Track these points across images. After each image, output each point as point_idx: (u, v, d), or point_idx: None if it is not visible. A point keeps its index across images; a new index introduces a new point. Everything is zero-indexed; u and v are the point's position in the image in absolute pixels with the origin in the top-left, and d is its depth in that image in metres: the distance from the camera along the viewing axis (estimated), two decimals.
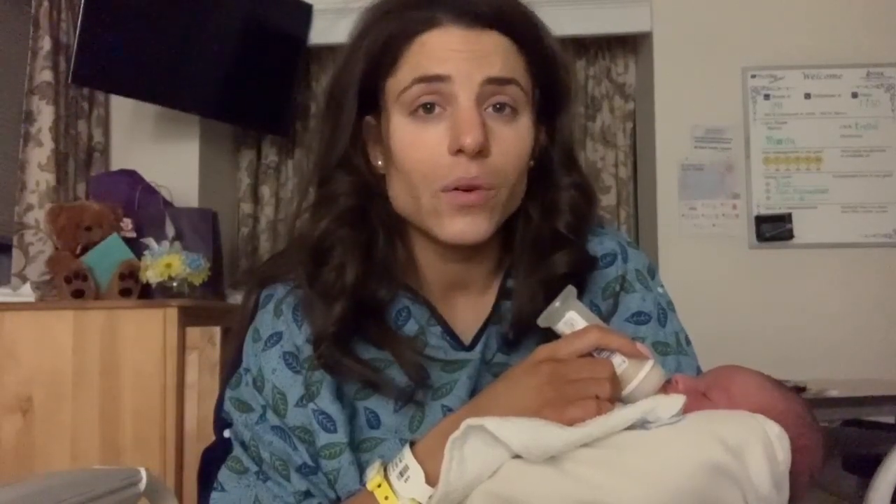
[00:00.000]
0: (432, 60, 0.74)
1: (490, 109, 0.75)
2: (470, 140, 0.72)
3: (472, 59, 0.74)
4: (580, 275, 0.82)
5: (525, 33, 0.78)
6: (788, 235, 2.98)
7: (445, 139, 0.74)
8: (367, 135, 0.81)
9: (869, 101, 3.03)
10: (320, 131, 0.83)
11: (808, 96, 3.04)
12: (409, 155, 0.75)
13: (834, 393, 2.14)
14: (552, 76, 0.81)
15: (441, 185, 0.74)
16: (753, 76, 3.05)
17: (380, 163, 0.81)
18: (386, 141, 0.78)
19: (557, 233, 0.82)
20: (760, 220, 3.00)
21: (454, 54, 0.74)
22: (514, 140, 0.76)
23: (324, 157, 0.81)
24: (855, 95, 3.03)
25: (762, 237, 2.99)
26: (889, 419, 2.43)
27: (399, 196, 0.79)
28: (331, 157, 0.80)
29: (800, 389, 2.08)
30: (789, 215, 2.99)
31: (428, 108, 0.75)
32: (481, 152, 0.73)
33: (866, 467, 1.70)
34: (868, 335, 2.88)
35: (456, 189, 0.74)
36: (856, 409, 2.32)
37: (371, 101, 0.78)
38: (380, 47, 0.76)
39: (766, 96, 3.05)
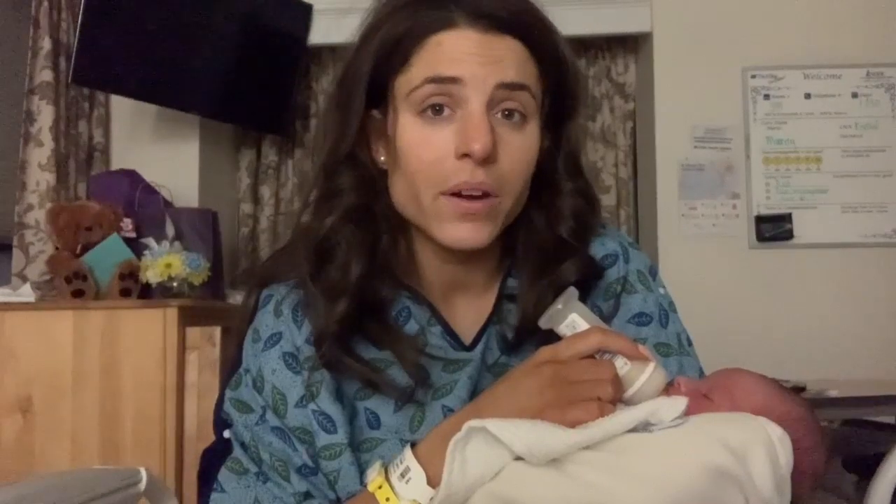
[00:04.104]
0: (446, 61, 0.73)
1: (499, 115, 0.75)
2: (478, 146, 0.71)
3: (486, 63, 0.73)
4: (587, 281, 0.82)
5: (540, 40, 0.77)
6: (788, 235, 2.98)
7: (453, 142, 0.73)
8: (371, 129, 0.80)
9: (869, 101, 3.03)
10: (327, 124, 0.82)
11: (808, 96, 3.04)
12: (416, 155, 0.75)
13: (834, 393, 2.14)
14: (564, 83, 0.81)
15: (443, 188, 0.74)
16: (753, 76, 3.05)
17: (382, 158, 0.80)
18: (392, 138, 0.77)
19: (561, 239, 0.82)
20: (760, 220, 3.00)
21: (468, 57, 0.73)
22: (521, 147, 0.76)
23: (330, 151, 0.80)
24: (855, 95, 3.03)
25: (762, 237, 2.99)
26: (889, 419, 2.43)
27: (400, 194, 0.79)
28: (337, 150, 0.80)
29: (800, 389, 2.08)
30: (789, 215, 2.99)
31: (437, 109, 0.74)
32: (488, 159, 0.72)
33: (866, 467, 1.70)
34: (868, 335, 2.89)
35: (458, 194, 0.74)
36: (856, 409, 2.32)
37: (378, 95, 0.78)
38: (392, 43, 0.75)
39: (766, 96, 3.05)
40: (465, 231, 0.75)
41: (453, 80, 0.73)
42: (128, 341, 2.03)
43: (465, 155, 0.72)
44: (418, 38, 0.74)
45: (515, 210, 0.79)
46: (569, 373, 0.68)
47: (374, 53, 0.76)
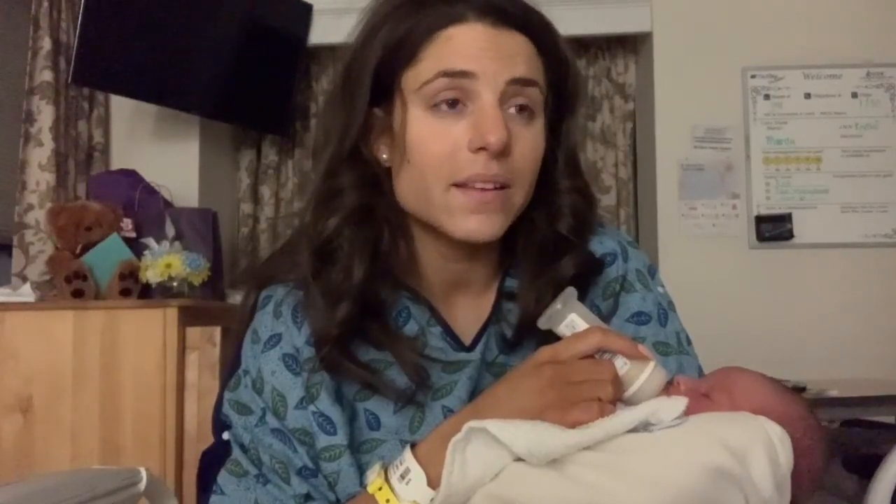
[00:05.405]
0: (459, 56, 0.73)
1: (511, 110, 0.75)
2: (495, 139, 0.71)
3: (498, 58, 0.73)
4: (586, 277, 0.82)
5: (545, 38, 0.78)
6: (788, 235, 2.99)
7: (466, 135, 0.73)
8: (373, 126, 0.80)
9: (869, 101, 3.03)
10: (328, 122, 0.82)
11: (808, 96, 3.04)
12: (427, 148, 0.74)
13: (834, 393, 2.14)
14: (565, 81, 0.81)
15: (455, 180, 0.74)
16: (753, 76, 3.05)
17: (385, 156, 0.80)
18: (399, 133, 0.76)
19: (561, 236, 0.82)
20: (760, 220, 3.00)
21: (481, 52, 0.73)
22: (532, 142, 0.77)
23: (333, 148, 0.80)
24: (855, 95, 3.03)
25: (762, 237, 2.99)
26: (889, 419, 2.43)
27: (408, 190, 0.78)
28: (341, 147, 0.79)
29: (800, 389, 2.08)
30: (789, 215, 2.99)
31: (450, 103, 0.74)
32: (503, 152, 0.73)
33: (866, 467, 1.70)
34: (868, 335, 2.89)
35: (470, 185, 0.74)
36: (856, 409, 2.32)
37: (381, 92, 0.77)
38: (399, 38, 0.75)
39: (766, 96, 3.05)
40: (478, 223, 0.75)
41: (466, 75, 0.73)
42: (128, 341, 2.03)
43: (481, 148, 0.72)
44: (427, 33, 0.74)
45: (523, 205, 0.79)
46: (569, 373, 0.68)
47: (379, 48, 0.76)
